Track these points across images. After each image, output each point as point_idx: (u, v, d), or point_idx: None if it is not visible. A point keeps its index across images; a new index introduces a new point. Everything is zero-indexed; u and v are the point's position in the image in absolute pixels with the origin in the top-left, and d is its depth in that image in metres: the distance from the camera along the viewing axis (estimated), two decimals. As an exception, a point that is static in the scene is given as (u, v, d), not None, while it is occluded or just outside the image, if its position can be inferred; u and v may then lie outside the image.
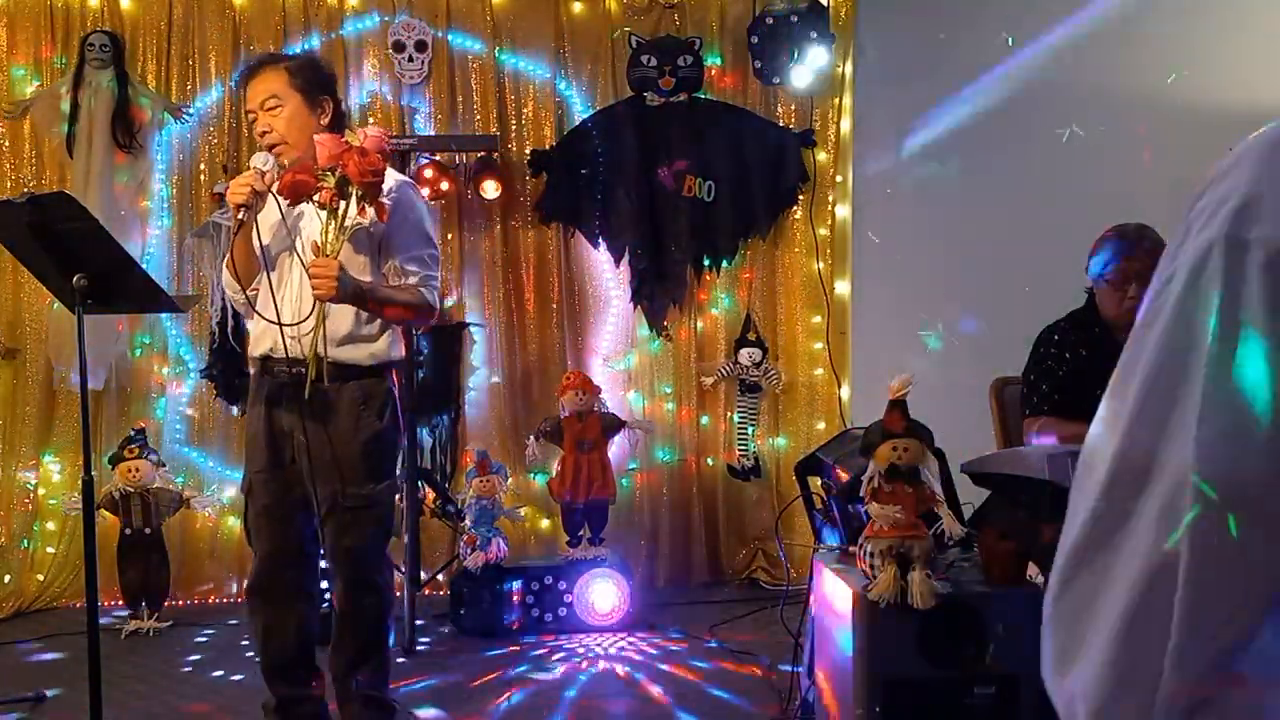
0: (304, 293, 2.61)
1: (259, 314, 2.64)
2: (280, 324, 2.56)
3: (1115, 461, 0.67)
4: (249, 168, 2.58)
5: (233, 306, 3.60)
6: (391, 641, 2.90)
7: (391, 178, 2.66)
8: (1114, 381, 0.69)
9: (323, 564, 2.88)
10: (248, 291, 2.69)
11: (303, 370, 2.60)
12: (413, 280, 2.69)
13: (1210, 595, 0.61)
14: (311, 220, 2.65)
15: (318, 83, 2.73)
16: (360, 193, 2.47)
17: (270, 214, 2.63)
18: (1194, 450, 0.62)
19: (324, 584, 3.22)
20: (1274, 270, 0.62)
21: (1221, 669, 0.61)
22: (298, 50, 4.52)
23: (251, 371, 2.82)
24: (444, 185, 4.49)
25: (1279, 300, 0.62)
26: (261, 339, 2.70)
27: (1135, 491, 0.65)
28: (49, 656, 3.77)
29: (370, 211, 2.54)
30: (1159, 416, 0.65)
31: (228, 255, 2.70)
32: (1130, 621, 0.64)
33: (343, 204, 2.48)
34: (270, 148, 2.63)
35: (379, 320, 2.69)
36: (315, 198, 2.49)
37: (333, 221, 2.49)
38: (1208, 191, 0.67)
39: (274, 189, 2.56)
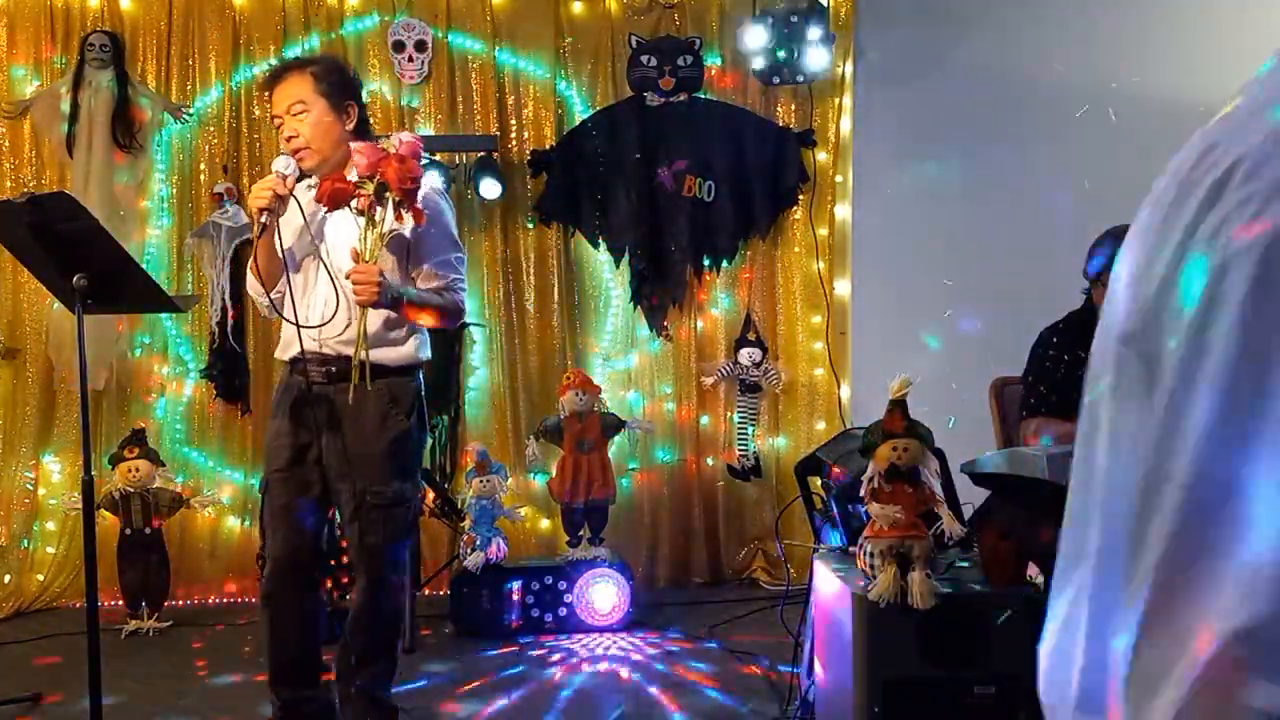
0: (330, 295, 2.62)
1: (284, 317, 2.65)
2: (298, 325, 2.58)
3: (1186, 491, 0.56)
4: (271, 171, 2.60)
5: (224, 307, 3.59)
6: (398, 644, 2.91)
7: (423, 184, 2.68)
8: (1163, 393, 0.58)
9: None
10: (271, 295, 2.70)
11: (334, 369, 2.65)
12: (441, 283, 2.72)
13: None
14: (336, 224, 2.67)
15: (343, 87, 2.74)
16: (399, 199, 2.49)
17: (292, 218, 2.64)
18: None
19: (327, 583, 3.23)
20: None
21: None
22: (298, 51, 4.53)
23: (280, 373, 2.84)
24: (444, 185, 4.49)
25: None
26: (293, 341, 2.71)
27: (1211, 518, 0.55)
28: (49, 656, 3.77)
29: (407, 217, 2.56)
30: (1237, 435, 0.54)
31: (252, 259, 2.71)
32: None
33: (379, 210, 2.49)
34: (295, 152, 2.64)
35: (407, 323, 2.71)
36: (353, 204, 2.50)
37: (371, 228, 2.50)
38: (1231, 147, 0.56)
39: (296, 193, 2.59)
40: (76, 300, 2.47)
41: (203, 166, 4.60)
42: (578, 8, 4.72)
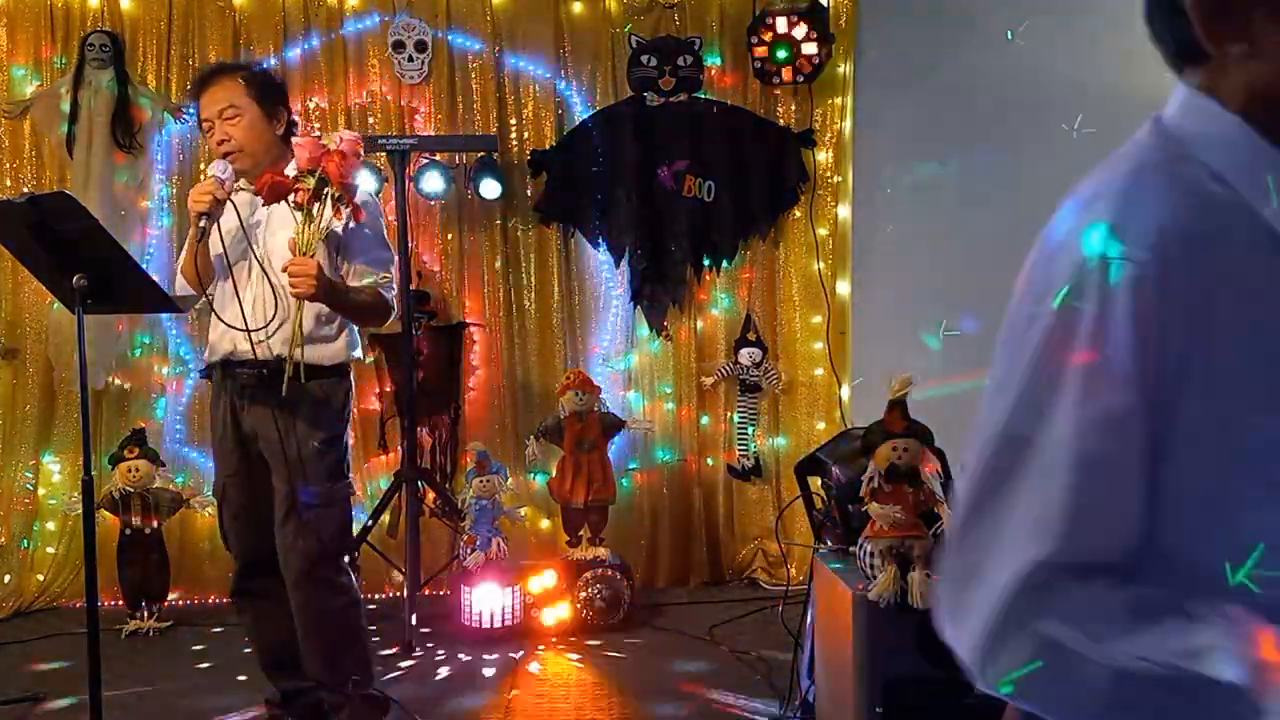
0: (265, 296, 2.65)
1: (219, 317, 2.66)
2: (248, 329, 2.59)
3: (994, 437, 0.85)
4: (207, 176, 2.62)
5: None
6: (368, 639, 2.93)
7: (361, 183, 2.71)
8: (997, 367, 0.87)
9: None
10: (202, 297, 2.74)
11: (265, 371, 2.65)
12: (370, 281, 2.74)
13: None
14: (271, 229, 2.69)
15: (273, 93, 2.77)
16: (337, 194, 2.51)
17: (228, 221, 2.65)
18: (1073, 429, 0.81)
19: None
20: (1140, 283, 0.79)
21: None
22: (298, 51, 4.54)
23: (211, 376, 2.84)
24: (444, 184, 4.49)
25: (1139, 308, 0.79)
26: (221, 342, 2.74)
27: (1011, 460, 0.83)
28: (49, 656, 3.77)
29: (345, 212, 2.57)
30: (1031, 400, 0.84)
31: (184, 262, 2.76)
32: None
33: (317, 205, 2.51)
34: (226, 156, 2.66)
35: (337, 321, 2.73)
36: (292, 198, 2.51)
37: (309, 222, 2.52)
38: (1066, 222, 0.85)
39: (233, 196, 2.62)
40: (76, 300, 2.47)
41: (203, 166, 4.59)
42: (578, 8, 4.71)
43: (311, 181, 2.49)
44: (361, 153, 2.62)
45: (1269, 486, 0.80)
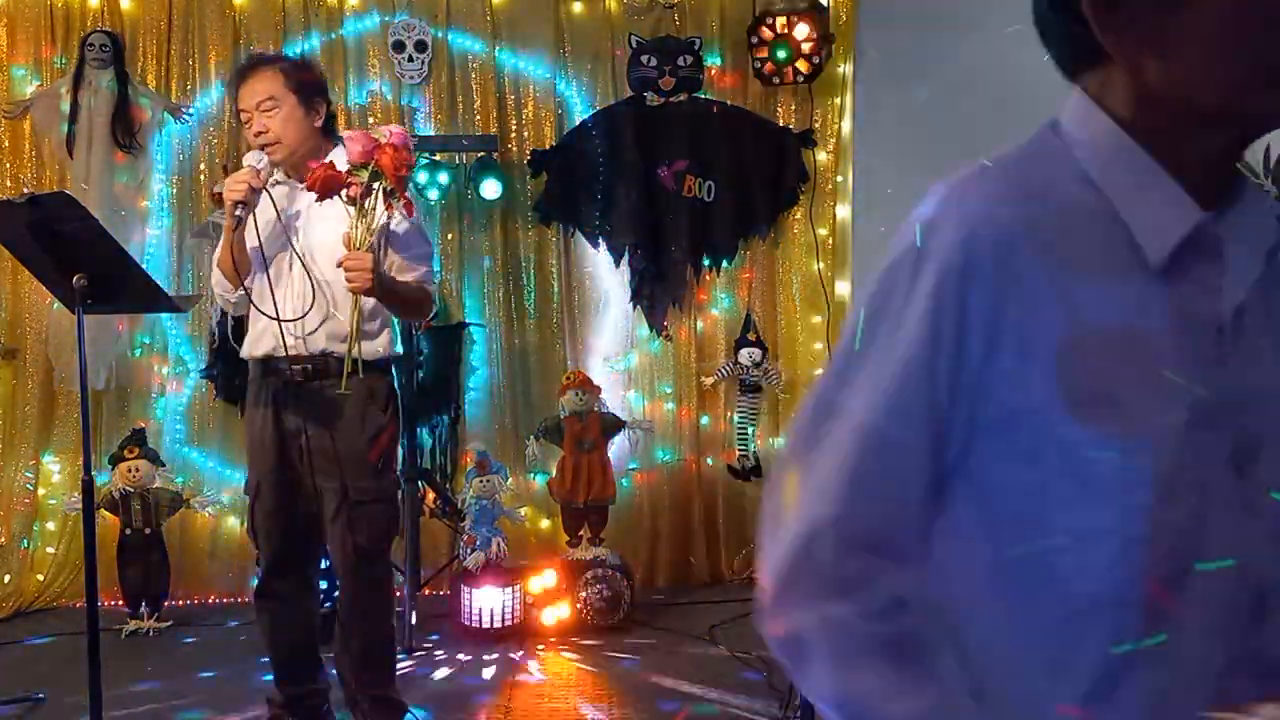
0: (304, 290, 2.63)
1: (260, 311, 2.65)
2: (279, 319, 2.58)
3: (812, 401, 0.88)
4: (244, 166, 2.60)
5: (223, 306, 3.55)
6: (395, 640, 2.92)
7: None
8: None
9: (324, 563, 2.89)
10: (239, 290, 2.71)
11: (309, 367, 2.64)
12: (416, 275, 2.73)
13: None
14: (310, 220, 2.67)
15: (312, 85, 2.75)
16: (390, 187, 2.49)
17: (264, 213, 2.63)
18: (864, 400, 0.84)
19: (324, 584, 3.23)
20: (945, 274, 0.81)
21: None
22: (298, 50, 4.54)
23: (250, 372, 2.82)
24: (443, 184, 4.49)
25: (939, 299, 0.81)
26: (263, 338, 2.71)
27: (820, 426, 0.86)
28: (49, 656, 3.77)
29: (397, 206, 2.57)
30: (844, 371, 0.86)
31: (221, 254, 2.72)
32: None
33: (369, 199, 2.50)
34: (263, 147, 2.64)
35: (380, 317, 2.72)
36: (345, 193, 2.50)
37: (362, 217, 2.51)
38: (922, 203, 0.86)
39: (270, 188, 2.60)
40: (76, 300, 2.47)
41: (203, 166, 4.59)
42: (578, 8, 4.72)
43: (365, 175, 2.48)
44: (412, 146, 2.61)
45: (1079, 484, 0.80)
